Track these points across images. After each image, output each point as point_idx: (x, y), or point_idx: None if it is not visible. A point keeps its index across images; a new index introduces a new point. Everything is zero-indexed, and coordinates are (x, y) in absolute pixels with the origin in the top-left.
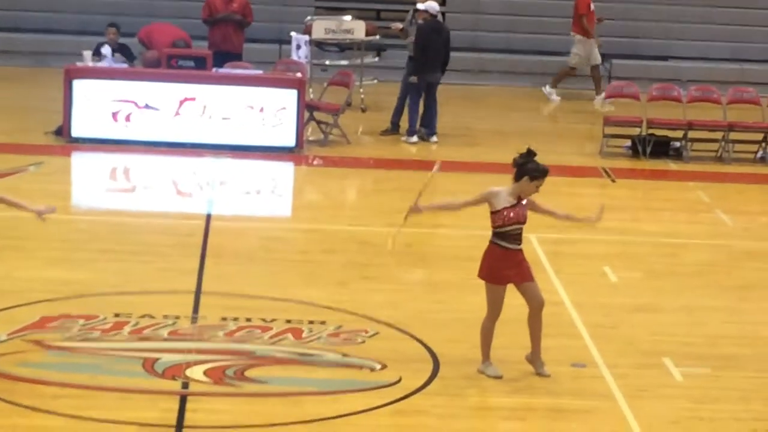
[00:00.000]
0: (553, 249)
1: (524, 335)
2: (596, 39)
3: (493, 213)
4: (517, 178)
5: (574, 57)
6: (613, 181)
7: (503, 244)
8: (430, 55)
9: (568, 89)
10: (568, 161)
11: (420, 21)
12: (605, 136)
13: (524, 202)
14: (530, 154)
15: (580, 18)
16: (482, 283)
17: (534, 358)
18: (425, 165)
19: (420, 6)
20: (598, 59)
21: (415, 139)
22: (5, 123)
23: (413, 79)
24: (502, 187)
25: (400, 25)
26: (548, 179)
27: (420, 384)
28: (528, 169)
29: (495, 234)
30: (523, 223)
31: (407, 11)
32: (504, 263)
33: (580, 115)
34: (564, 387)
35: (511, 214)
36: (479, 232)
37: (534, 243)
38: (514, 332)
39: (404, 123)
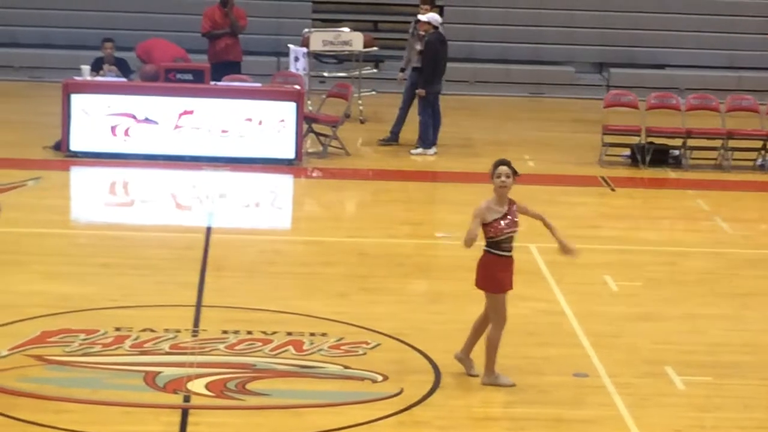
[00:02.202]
0: (552, 258)
1: (522, 344)
2: None
3: (485, 225)
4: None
5: None
6: (613, 190)
7: (497, 252)
8: (439, 66)
9: (566, 98)
10: (567, 170)
11: (422, 32)
12: (604, 145)
13: (514, 207)
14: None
15: None
16: (482, 292)
17: (465, 357)
18: (425, 176)
19: (422, 17)
20: None
21: (433, 151)
22: (3, 138)
23: (421, 92)
24: (486, 199)
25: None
26: (548, 189)
27: (422, 395)
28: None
29: (489, 243)
30: (515, 229)
31: (405, 22)
32: (500, 271)
33: (579, 125)
34: (566, 397)
35: (501, 224)
36: (478, 242)
37: (534, 252)
38: (511, 342)
39: (410, 134)
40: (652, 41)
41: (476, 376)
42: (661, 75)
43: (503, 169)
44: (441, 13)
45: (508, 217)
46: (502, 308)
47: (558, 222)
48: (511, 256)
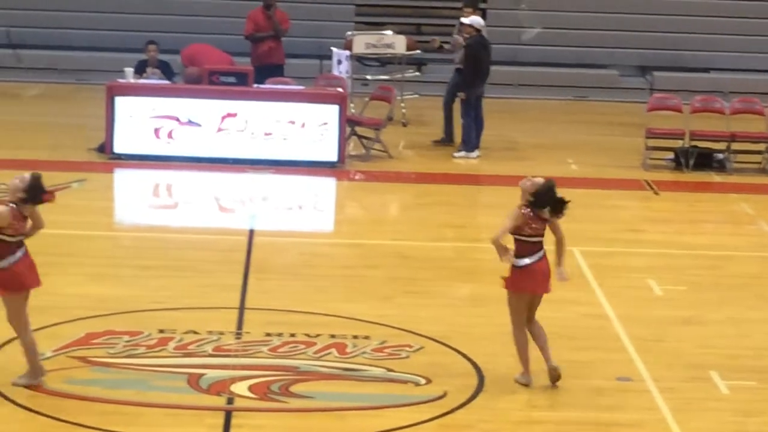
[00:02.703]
0: (596, 262)
1: (565, 348)
2: None
3: (551, 226)
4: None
5: None
6: (656, 193)
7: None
8: (481, 69)
9: (609, 101)
10: (610, 174)
11: (465, 35)
12: (648, 148)
13: None
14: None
15: None
16: (525, 295)
17: (553, 366)
18: (467, 179)
19: (465, 20)
20: None
21: (476, 154)
22: (48, 140)
23: (461, 95)
24: None
25: (438, 42)
26: (591, 192)
27: (465, 398)
28: None
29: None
30: None
31: (448, 25)
32: None
33: (622, 128)
34: (610, 401)
35: None
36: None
37: (577, 256)
38: (554, 345)
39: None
40: (696, 44)
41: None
42: (706, 78)
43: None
44: (484, 16)
45: None
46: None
47: (601, 226)
48: None
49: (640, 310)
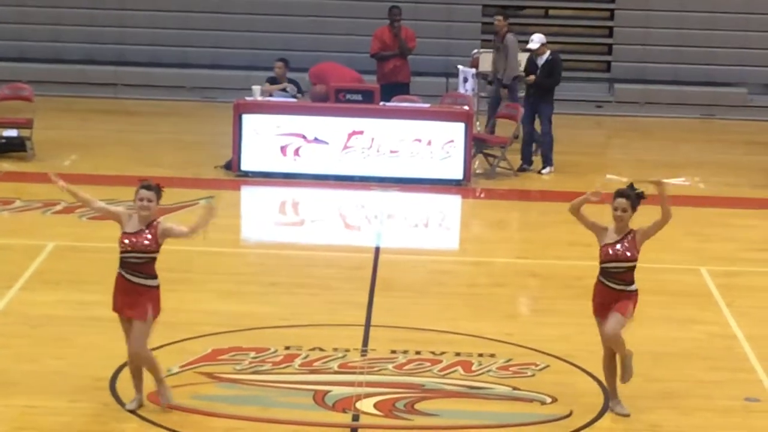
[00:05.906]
0: (724, 282)
1: (693, 368)
2: None
3: (600, 246)
4: None
5: None
6: None
7: (599, 276)
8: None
9: (738, 120)
10: (740, 193)
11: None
12: None
13: (630, 238)
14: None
15: None
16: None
17: (616, 401)
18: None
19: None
20: None
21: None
22: (175, 157)
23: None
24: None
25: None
26: (720, 211)
27: (591, 418)
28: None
29: (600, 269)
30: (624, 261)
31: (575, 43)
32: (595, 296)
33: (751, 147)
34: (737, 421)
35: (609, 251)
36: (649, 264)
37: (705, 275)
38: (682, 365)
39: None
40: None
41: (627, 415)
42: None
43: (620, 201)
44: (611, 35)
45: (617, 246)
46: (600, 331)
47: (729, 245)
48: (610, 287)
49: None
